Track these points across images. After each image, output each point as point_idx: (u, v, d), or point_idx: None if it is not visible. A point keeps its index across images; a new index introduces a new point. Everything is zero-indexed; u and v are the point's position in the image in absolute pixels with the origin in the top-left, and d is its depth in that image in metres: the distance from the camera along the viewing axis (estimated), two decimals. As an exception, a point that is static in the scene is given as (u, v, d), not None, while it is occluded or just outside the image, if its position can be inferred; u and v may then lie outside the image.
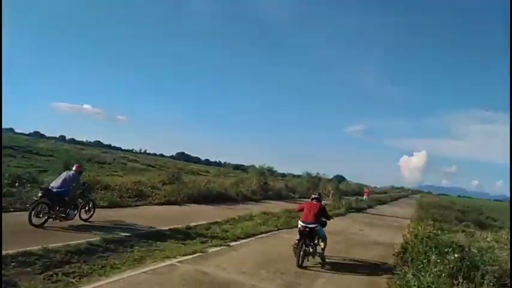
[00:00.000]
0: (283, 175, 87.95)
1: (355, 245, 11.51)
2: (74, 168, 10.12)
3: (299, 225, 8.33)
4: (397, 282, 6.78)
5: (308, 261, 8.20)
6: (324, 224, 8.56)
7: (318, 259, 8.33)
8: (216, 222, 12.27)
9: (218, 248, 8.79)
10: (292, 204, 23.22)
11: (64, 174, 9.72)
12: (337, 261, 8.94)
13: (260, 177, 27.55)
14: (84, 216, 10.00)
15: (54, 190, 9.16)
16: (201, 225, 11.49)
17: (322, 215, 8.50)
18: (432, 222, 17.43)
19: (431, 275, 5.85)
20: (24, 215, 8.55)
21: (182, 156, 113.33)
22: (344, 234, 13.57)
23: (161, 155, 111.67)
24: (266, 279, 6.74)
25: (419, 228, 10.60)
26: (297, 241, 8.17)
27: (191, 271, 6.66)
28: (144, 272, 6.34)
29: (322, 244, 8.39)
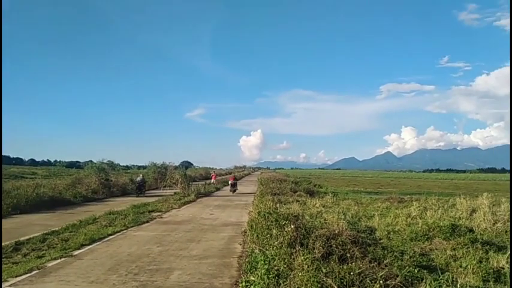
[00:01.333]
0: (127, 168, 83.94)
1: (207, 230, 11.84)
2: (141, 175, 26.93)
3: (230, 182, 28.77)
4: (246, 260, 7.30)
5: (234, 193, 27.28)
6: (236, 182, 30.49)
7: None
8: (54, 232, 10.93)
9: (59, 260, 7.86)
10: (140, 198, 22.50)
11: (140, 176, 26.41)
12: (188, 253, 9.04)
13: (100, 174, 25.58)
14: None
15: (140, 183, 25.35)
16: (34, 238, 10.06)
17: (236, 180, 31.22)
18: (272, 196, 19.39)
19: (274, 248, 6.50)
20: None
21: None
22: (195, 220, 13.83)
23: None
24: (118, 283, 6.35)
25: (261, 206, 11.64)
26: (230, 188, 27.75)
27: (28, 294, 5.82)
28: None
29: (238, 187, 28.55)
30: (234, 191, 27.58)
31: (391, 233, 10.78)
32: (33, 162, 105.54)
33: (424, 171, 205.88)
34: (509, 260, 7.39)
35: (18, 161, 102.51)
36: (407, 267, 6.30)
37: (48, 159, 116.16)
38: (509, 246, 8.48)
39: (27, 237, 10.14)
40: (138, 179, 25.97)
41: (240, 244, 9.59)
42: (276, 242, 6.79)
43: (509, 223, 10.94)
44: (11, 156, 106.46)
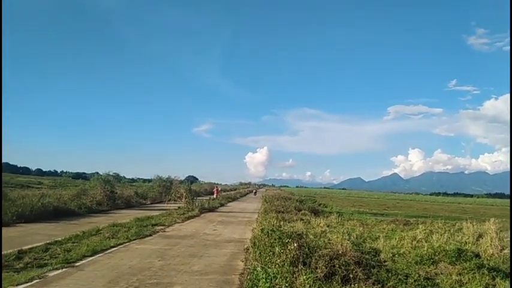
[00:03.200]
0: (133, 180, 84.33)
1: (209, 246, 11.77)
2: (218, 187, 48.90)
3: (254, 191, 75.78)
4: (248, 277, 7.22)
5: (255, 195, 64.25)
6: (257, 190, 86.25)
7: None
8: (56, 242, 10.92)
9: (61, 271, 7.84)
10: (144, 211, 22.46)
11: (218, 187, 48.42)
12: (189, 268, 8.98)
13: (105, 186, 25.63)
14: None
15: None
16: (37, 247, 10.04)
17: (256, 190, 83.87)
18: (276, 214, 19.28)
19: (276, 266, 6.44)
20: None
21: (6, 168, 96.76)
22: (198, 236, 13.76)
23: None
24: (118, 297, 6.33)
25: (265, 223, 11.55)
26: (253, 193, 68.77)
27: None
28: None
29: (257, 193, 68.31)
30: (255, 194, 60.78)
31: (396, 255, 10.60)
32: (40, 172, 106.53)
33: (430, 194, 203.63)
34: None
35: (25, 171, 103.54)
36: (411, 291, 6.18)
37: (55, 170, 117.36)
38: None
39: (30, 246, 10.14)
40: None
41: (242, 261, 9.50)
42: (279, 260, 6.73)
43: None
44: (19, 166, 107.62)
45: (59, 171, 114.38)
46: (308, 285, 5.23)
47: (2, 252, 9.03)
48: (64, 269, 7.99)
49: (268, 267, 6.71)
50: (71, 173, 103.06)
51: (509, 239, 11.53)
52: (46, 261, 8.60)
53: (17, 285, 6.65)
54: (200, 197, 35.13)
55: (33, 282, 6.87)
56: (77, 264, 8.55)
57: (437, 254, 9.95)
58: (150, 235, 13.32)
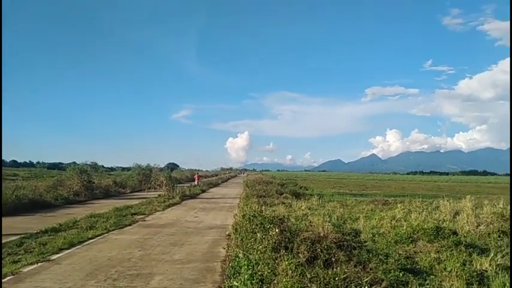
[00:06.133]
0: (111, 169, 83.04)
1: (191, 233, 11.64)
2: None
3: (243, 173, 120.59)
4: (230, 264, 7.15)
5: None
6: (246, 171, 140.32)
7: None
8: (32, 235, 10.58)
9: (36, 266, 7.58)
10: (123, 201, 22.12)
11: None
12: (170, 257, 8.85)
13: (82, 176, 25.06)
14: None
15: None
16: (10, 241, 9.71)
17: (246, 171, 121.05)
18: (257, 199, 19.28)
19: (258, 252, 6.37)
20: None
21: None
22: (179, 223, 13.61)
23: None
24: (96, 290, 6.15)
25: (246, 208, 11.48)
26: (243, 173, 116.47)
27: (0, 302, 5.55)
28: None
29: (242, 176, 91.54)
30: (244, 174, 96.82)
31: (376, 235, 10.76)
32: (15, 164, 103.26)
33: (408, 174, 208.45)
34: (492, 263, 7.42)
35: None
36: (392, 271, 6.23)
37: (30, 161, 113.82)
38: (491, 249, 8.54)
39: (3, 241, 9.76)
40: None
41: (224, 248, 9.43)
42: (261, 246, 6.67)
43: (491, 226, 11.04)
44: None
45: (34, 162, 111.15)
46: (290, 271, 5.18)
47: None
48: (39, 264, 7.74)
49: (250, 254, 6.64)
50: (47, 163, 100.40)
51: (484, 215, 11.85)
52: (20, 256, 8.32)
53: (-11, 283, 6.37)
54: (181, 184, 34.91)
55: (6, 279, 6.60)
56: (53, 258, 8.29)
57: (416, 232, 10.13)
58: (130, 225, 13.08)
